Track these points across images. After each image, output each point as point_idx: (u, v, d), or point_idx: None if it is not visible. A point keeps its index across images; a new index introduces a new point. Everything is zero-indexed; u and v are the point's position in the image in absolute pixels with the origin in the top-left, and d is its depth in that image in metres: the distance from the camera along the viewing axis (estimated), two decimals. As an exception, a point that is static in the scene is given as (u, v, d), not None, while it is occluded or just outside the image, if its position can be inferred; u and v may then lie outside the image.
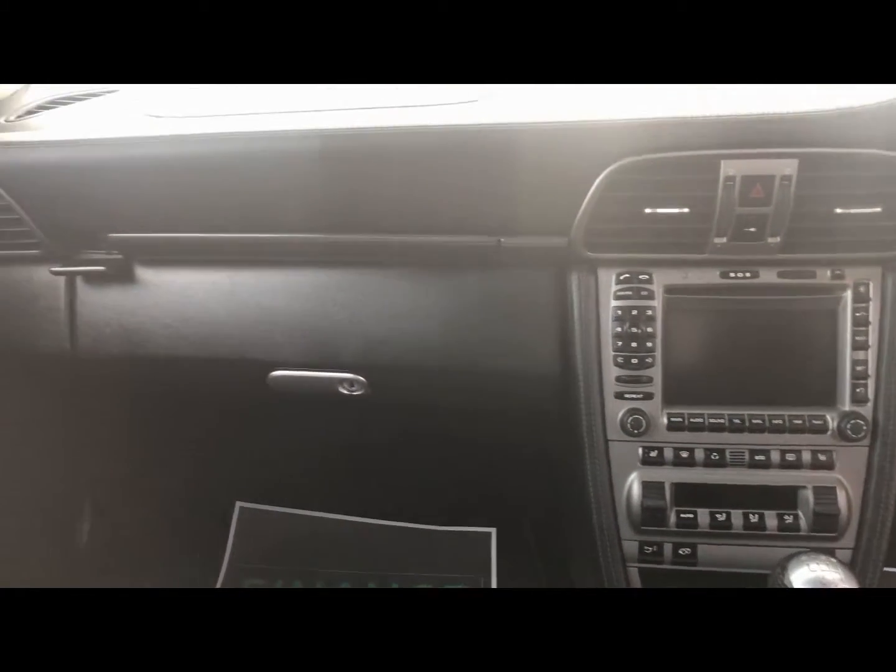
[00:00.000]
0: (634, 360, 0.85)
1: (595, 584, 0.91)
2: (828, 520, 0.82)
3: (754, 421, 0.84)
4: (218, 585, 1.42)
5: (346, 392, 1.00)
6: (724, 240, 0.81)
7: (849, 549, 0.84)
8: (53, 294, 1.02)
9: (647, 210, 0.81)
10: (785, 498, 0.84)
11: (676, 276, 0.85)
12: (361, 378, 0.98)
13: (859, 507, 0.83)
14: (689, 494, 0.85)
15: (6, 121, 1.00)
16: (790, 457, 0.84)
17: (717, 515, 0.84)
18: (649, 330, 0.85)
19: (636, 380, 0.86)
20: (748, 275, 0.84)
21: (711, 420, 0.85)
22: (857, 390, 0.83)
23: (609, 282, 0.86)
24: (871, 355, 0.83)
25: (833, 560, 0.70)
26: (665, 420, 0.85)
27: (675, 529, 0.85)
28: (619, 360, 0.86)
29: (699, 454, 0.85)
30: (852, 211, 0.78)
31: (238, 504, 1.53)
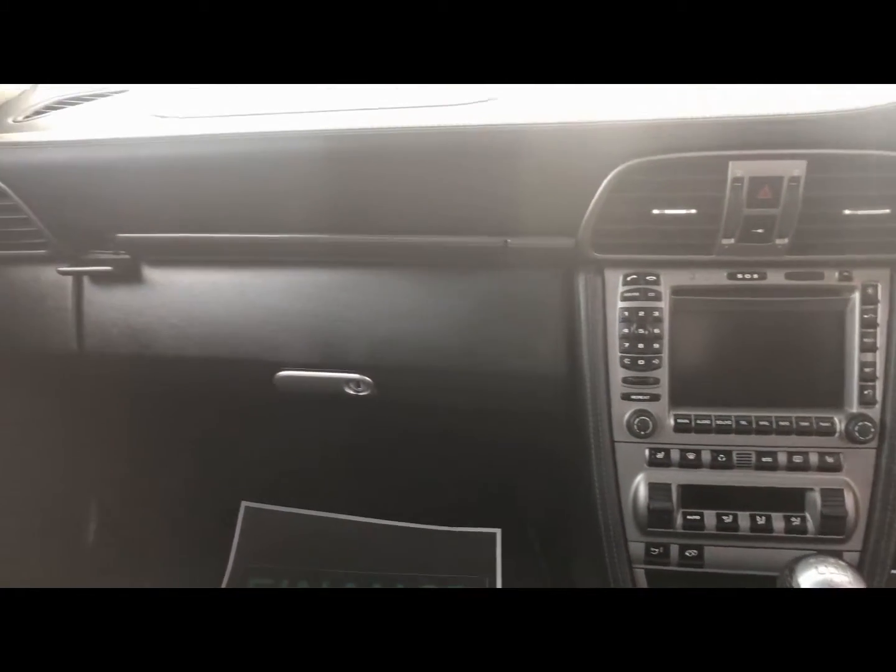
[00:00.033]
0: (641, 362, 0.85)
1: (600, 585, 0.90)
2: (835, 522, 0.82)
3: (761, 423, 0.84)
4: (223, 585, 1.43)
5: (352, 392, 1.00)
6: (732, 241, 0.81)
7: (856, 551, 0.83)
8: (61, 294, 1.02)
9: (655, 211, 0.81)
10: (792, 500, 0.84)
11: (684, 278, 0.85)
12: (367, 378, 0.98)
13: (867, 509, 0.83)
14: (695, 496, 0.85)
15: (14, 121, 1.00)
16: (797, 459, 0.83)
17: (724, 517, 0.84)
18: (656, 331, 0.85)
19: (643, 381, 0.85)
20: (756, 276, 0.83)
21: (718, 421, 0.84)
22: (865, 392, 0.82)
23: (616, 283, 0.86)
24: (879, 357, 0.82)
25: (841, 562, 0.70)
26: (672, 421, 0.85)
27: (682, 531, 0.85)
28: (626, 361, 0.86)
29: (706, 456, 0.85)
30: (861, 212, 0.78)
31: (243, 504, 1.54)
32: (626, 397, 0.86)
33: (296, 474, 1.52)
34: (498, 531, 1.47)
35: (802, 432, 0.83)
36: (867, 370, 0.82)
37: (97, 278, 1.01)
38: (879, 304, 0.82)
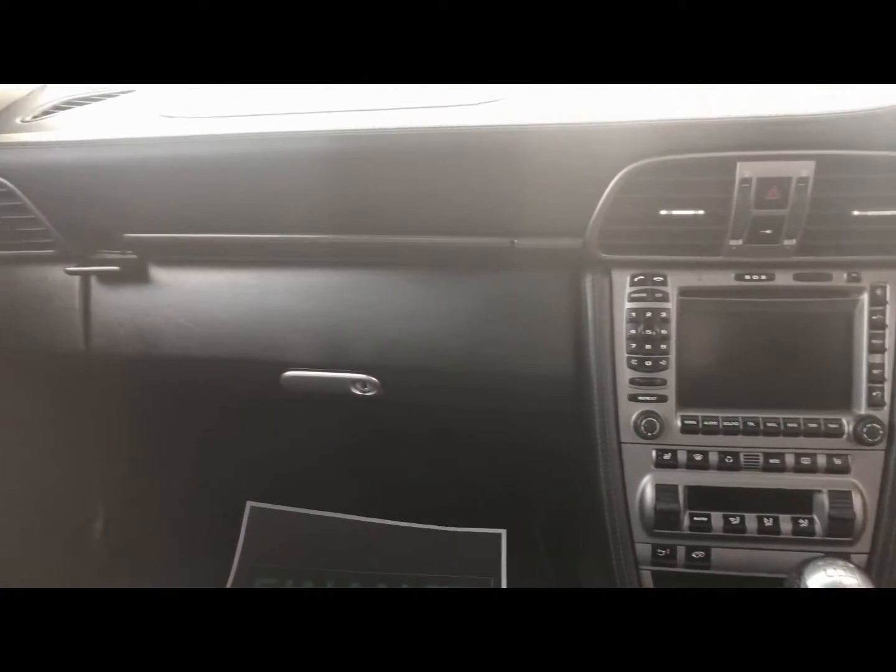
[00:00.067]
0: (648, 363, 0.85)
1: (606, 586, 0.90)
2: (843, 524, 0.81)
3: (769, 424, 0.84)
4: (229, 585, 1.43)
5: (358, 393, 1.00)
6: (740, 242, 0.81)
7: (864, 553, 0.83)
8: (68, 294, 1.02)
9: (663, 212, 0.81)
10: (800, 502, 0.83)
11: (691, 278, 0.84)
12: (374, 379, 0.98)
13: (875, 511, 0.82)
14: (702, 497, 0.85)
15: (22, 121, 1.01)
16: (805, 460, 0.83)
17: (731, 519, 0.83)
18: (663, 332, 0.84)
19: (650, 382, 0.85)
20: (763, 277, 0.83)
21: (726, 423, 0.84)
22: (874, 394, 0.82)
23: (623, 283, 0.86)
24: (888, 358, 0.82)
25: (850, 564, 0.69)
26: (679, 423, 0.85)
27: (689, 532, 0.84)
28: (633, 362, 0.85)
29: (713, 457, 0.85)
30: (870, 213, 0.78)
31: (249, 504, 1.54)
32: (633, 398, 0.86)
33: (301, 474, 1.52)
34: (503, 532, 1.47)
35: (810, 434, 0.83)
36: (875, 372, 0.82)
37: (104, 278, 1.01)
38: (888, 306, 0.82)
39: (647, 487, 0.86)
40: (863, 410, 0.82)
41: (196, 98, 1.00)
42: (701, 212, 0.80)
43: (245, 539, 1.50)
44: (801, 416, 0.83)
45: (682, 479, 0.85)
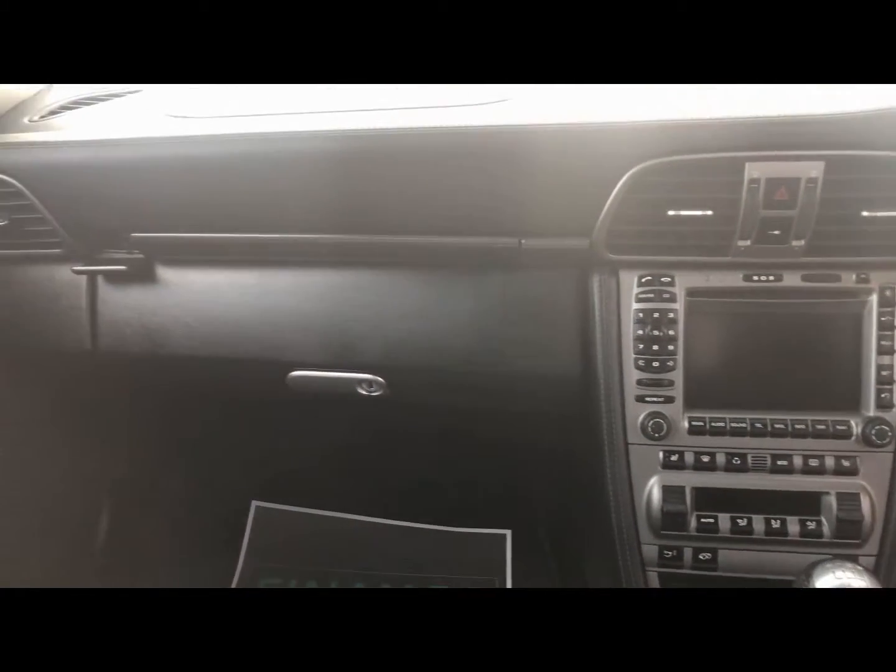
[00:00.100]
0: (656, 363, 0.85)
1: (612, 587, 0.90)
2: (851, 526, 0.81)
3: (777, 425, 0.83)
4: (234, 585, 1.43)
5: (364, 393, 1.00)
6: (748, 243, 0.80)
7: (872, 555, 0.82)
8: (75, 293, 1.03)
9: (671, 212, 0.80)
10: (807, 504, 0.83)
11: (699, 279, 0.84)
12: (380, 379, 0.98)
13: (883, 513, 0.82)
14: (709, 499, 0.84)
15: (30, 121, 1.01)
16: (813, 462, 0.83)
17: (739, 520, 0.83)
18: (671, 333, 0.84)
19: (657, 383, 0.85)
20: (772, 278, 0.83)
21: (733, 424, 0.84)
22: (883, 395, 0.82)
23: (631, 284, 0.86)
24: None
25: (859, 567, 0.69)
26: (686, 424, 0.85)
27: (696, 534, 0.84)
28: (641, 362, 0.85)
29: (720, 458, 0.84)
30: (879, 214, 0.77)
31: (254, 503, 1.54)
32: (640, 399, 0.86)
33: (306, 474, 1.52)
34: (508, 532, 1.46)
35: (818, 435, 0.83)
36: (884, 373, 0.81)
37: (111, 278, 1.01)
38: None
39: (654, 489, 0.85)
40: (871, 412, 0.82)
41: (202, 98, 1.01)
42: (709, 212, 0.80)
43: (250, 539, 1.50)
44: (810, 417, 0.83)
45: (690, 480, 0.85)
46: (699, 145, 0.78)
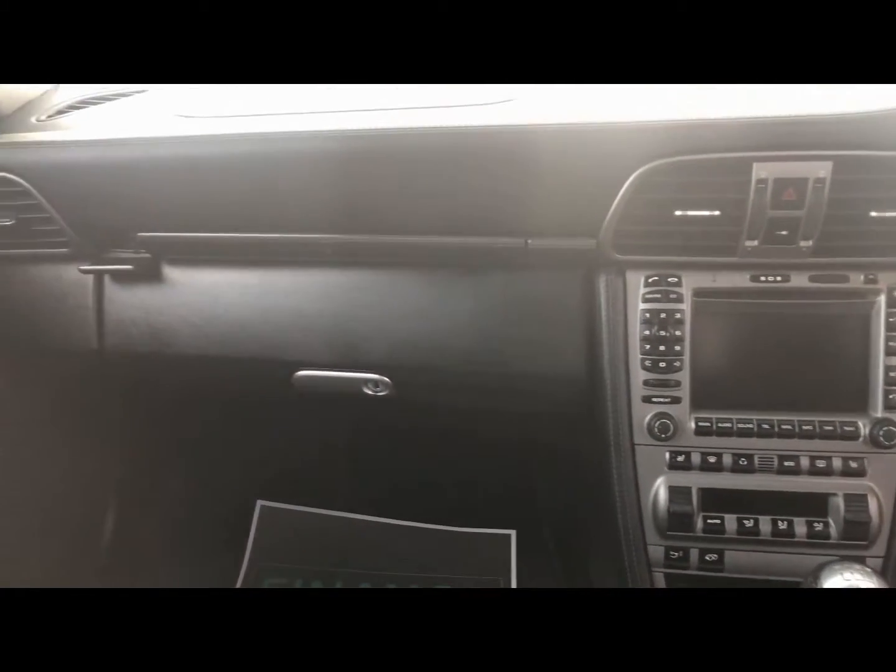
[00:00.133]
0: (662, 364, 0.85)
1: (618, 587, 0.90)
2: (859, 528, 0.81)
3: (784, 426, 0.83)
4: (238, 584, 1.43)
5: (370, 393, 1.00)
6: (755, 243, 0.80)
7: (880, 557, 0.82)
8: (82, 292, 1.03)
9: (678, 212, 0.80)
10: (814, 505, 0.83)
11: (706, 280, 0.84)
12: (386, 379, 0.98)
13: (891, 514, 0.82)
14: (716, 500, 0.84)
15: (37, 120, 1.01)
16: (820, 463, 0.82)
17: (745, 521, 0.83)
18: (677, 333, 0.84)
19: (664, 384, 0.85)
20: (779, 279, 0.83)
21: (740, 425, 0.84)
22: (891, 396, 0.81)
23: (637, 284, 0.86)
24: None
25: (867, 569, 0.69)
26: (693, 424, 0.85)
27: (702, 535, 0.84)
28: (647, 363, 0.85)
29: (727, 459, 0.84)
30: (887, 214, 0.77)
31: (259, 503, 1.54)
32: (646, 400, 0.85)
33: (311, 474, 1.53)
34: (513, 532, 1.46)
35: (826, 436, 0.82)
36: (892, 374, 0.81)
37: (118, 277, 1.01)
38: None
39: (660, 489, 0.85)
40: (879, 413, 0.82)
41: (209, 98, 1.01)
42: (716, 212, 0.79)
43: (255, 538, 1.50)
44: (817, 418, 0.83)
45: (696, 481, 0.85)
46: (707, 145, 0.77)
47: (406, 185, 0.86)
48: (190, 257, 0.99)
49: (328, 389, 1.01)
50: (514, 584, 1.40)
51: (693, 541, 0.85)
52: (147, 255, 0.99)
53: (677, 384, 0.85)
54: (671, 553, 0.85)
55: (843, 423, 0.82)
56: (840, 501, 0.82)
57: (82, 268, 1.00)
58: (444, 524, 1.47)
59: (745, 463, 0.84)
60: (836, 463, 0.82)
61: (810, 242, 0.79)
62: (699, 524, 0.84)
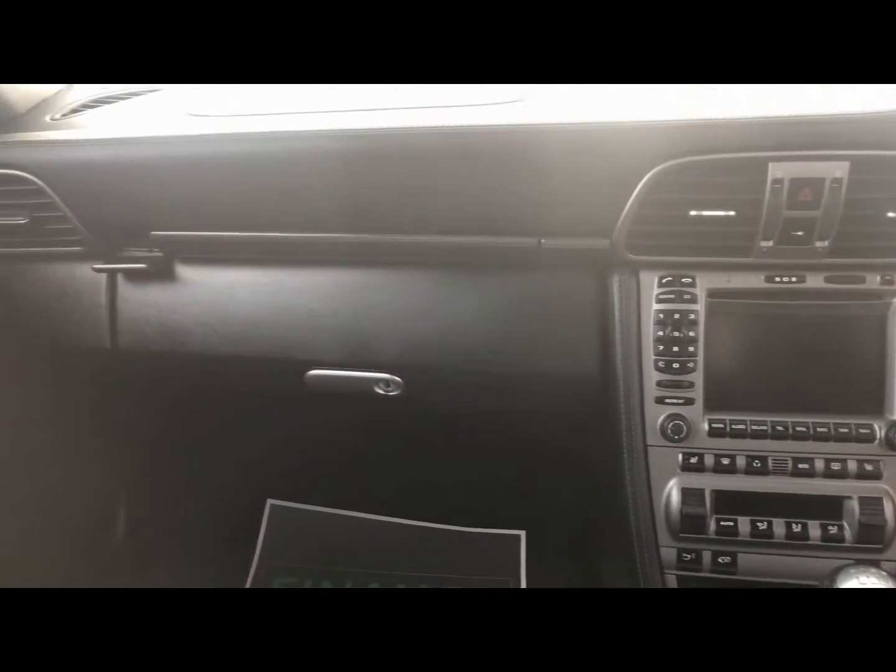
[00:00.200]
0: (676, 365, 0.84)
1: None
2: (874, 531, 0.80)
3: (798, 428, 0.82)
4: (248, 584, 1.43)
5: (382, 392, 1.00)
6: (771, 243, 0.80)
7: (895, 560, 0.81)
8: (95, 291, 1.03)
9: (692, 212, 0.80)
10: (829, 507, 0.82)
11: (720, 280, 0.83)
12: (397, 378, 0.98)
13: None
14: (729, 502, 0.84)
15: (51, 119, 1.02)
16: (835, 466, 0.82)
17: (759, 524, 0.82)
18: (691, 334, 0.84)
19: (677, 385, 0.84)
20: (794, 279, 0.82)
21: (754, 427, 0.83)
22: None
23: (651, 285, 0.85)
24: None
25: (884, 573, 0.68)
26: (706, 426, 0.84)
27: (715, 537, 0.83)
28: (661, 364, 0.85)
29: (741, 461, 0.83)
30: None
31: (269, 502, 1.54)
32: (659, 401, 0.85)
33: (321, 473, 1.53)
34: (522, 533, 1.46)
35: (841, 439, 0.82)
36: None
37: (131, 276, 1.02)
38: None
39: (673, 491, 0.85)
40: (895, 415, 0.81)
41: (223, 97, 1.01)
42: (731, 213, 0.79)
43: (265, 537, 1.50)
44: (832, 420, 0.82)
45: (709, 482, 0.84)
46: (722, 145, 0.77)
47: (420, 184, 0.86)
48: (203, 256, 0.99)
49: (340, 389, 1.01)
50: (523, 585, 1.40)
51: (706, 543, 0.84)
52: (160, 254, 0.99)
53: (691, 385, 0.84)
54: (684, 555, 0.85)
55: (859, 426, 0.81)
56: (855, 504, 0.81)
57: (95, 266, 1.01)
58: (454, 524, 1.47)
59: (759, 465, 0.83)
60: (851, 465, 0.81)
61: (826, 243, 0.79)
62: (712, 526, 0.83)
